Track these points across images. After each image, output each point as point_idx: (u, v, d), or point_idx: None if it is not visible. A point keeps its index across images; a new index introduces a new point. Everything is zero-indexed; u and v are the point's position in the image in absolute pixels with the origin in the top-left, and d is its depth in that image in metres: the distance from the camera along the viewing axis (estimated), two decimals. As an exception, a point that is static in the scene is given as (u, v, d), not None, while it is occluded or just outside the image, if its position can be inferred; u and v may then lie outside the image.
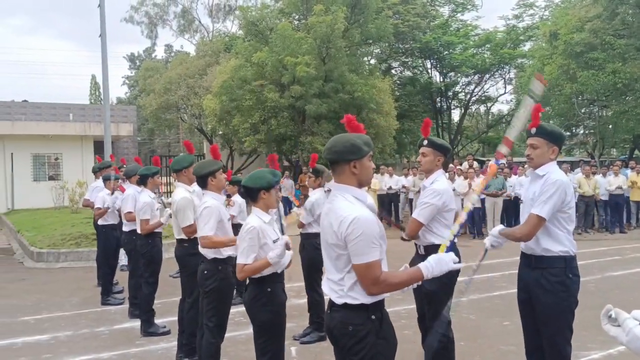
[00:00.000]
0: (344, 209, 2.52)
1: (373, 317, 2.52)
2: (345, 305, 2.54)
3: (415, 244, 4.28)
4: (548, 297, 3.43)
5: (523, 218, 3.63)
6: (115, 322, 6.66)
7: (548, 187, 3.44)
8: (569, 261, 3.46)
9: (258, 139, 19.87)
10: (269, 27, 21.11)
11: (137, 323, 6.30)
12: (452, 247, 4.16)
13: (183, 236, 5.01)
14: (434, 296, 4.02)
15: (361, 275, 2.48)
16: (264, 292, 3.54)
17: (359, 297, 2.52)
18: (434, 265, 2.57)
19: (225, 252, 4.40)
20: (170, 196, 7.90)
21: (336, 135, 2.70)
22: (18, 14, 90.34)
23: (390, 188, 15.76)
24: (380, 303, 2.57)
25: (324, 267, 2.73)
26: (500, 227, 3.74)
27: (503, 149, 3.57)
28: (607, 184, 14.34)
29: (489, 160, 18.43)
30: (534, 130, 3.58)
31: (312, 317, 5.80)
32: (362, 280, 2.49)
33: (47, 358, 5.42)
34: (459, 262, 2.65)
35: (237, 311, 6.04)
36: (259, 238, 3.55)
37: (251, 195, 3.65)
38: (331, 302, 2.64)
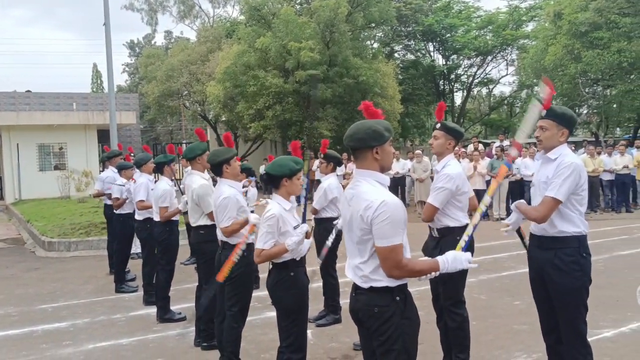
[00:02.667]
0: (370, 193, 2.58)
1: (397, 298, 2.59)
2: (371, 288, 2.61)
3: (430, 227, 4.32)
4: (563, 277, 3.44)
5: (535, 201, 3.62)
6: (130, 309, 6.76)
7: (563, 170, 3.41)
8: (582, 241, 3.47)
9: (263, 125, 19.89)
10: (271, 12, 21.02)
11: (152, 310, 6.39)
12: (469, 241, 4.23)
13: (199, 223, 5.08)
14: (450, 277, 4.06)
15: (384, 258, 2.54)
16: (287, 277, 3.62)
17: (384, 280, 2.59)
18: (450, 262, 2.65)
19: (249, 238, 4.46)
20: (182, 183, 7.96)
21: (356, 122, 2.74)
22: (18, 4, 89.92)
23: (397, 173, 15.70)
24: (404, 285, 2.64)
25: (347, 251, 2.78)
26: (520, 201, 3.72)
27: (513, 152, 3.67)
28: (613, 163, 14.35)
29: (493, 142, 18.44)
30: (544, 112, 3.54)
31: (327, 300, 5.88)
32: (384, 263, 2.55)
33: (68, 344, 5.53)
34: (472, 256, 2.77)
35: (252, 296, 6.12)
36: (279, 225, 3.63)
37: (273, 182, 3.71)
38: (355, 286, 2.71)
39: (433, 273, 2.65)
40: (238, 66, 20.07)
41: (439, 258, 2.66)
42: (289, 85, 18.99)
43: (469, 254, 2.74)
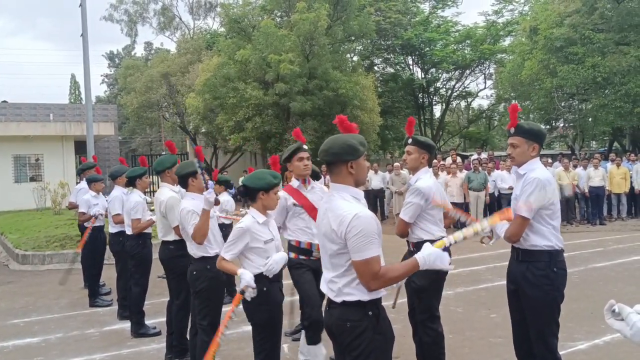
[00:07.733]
0: (343, 208, 2.57)
1: (370, 313, 2.58)
2: (344, 302, 2.59)
3: (407, 241, 4.34)
4: (533, 290, 3.48)
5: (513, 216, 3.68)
6: (104, 323, 6.64)
7: (527, 187, 3.46)
8: (554, 255, 3.49)
9: (243, 137, 19.84)
10: (251, 25, 21.08)
11: (127, 324, 6.29)
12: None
13: (168, 238, 5.01)
14: (424, 291, 4.10)
15: (361, 272, 2.52)
16: (260, 292, 3.58)
17: (356, 294, 2.57)
18: (432, 259, 2.55)
19: (212, 250, 4.40)
20: (153, 196, 7.88)
21: (331, 137, 2.74)
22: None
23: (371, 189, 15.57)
24: (378, 299, 2.63)
25: (322, 265, 2.76)
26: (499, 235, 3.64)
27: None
28: (587, 177, 14.55)
29: (471, 155, 18.63)
30: (512, 130, 3.59)
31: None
32: (361, 276, 2.53)
33: (39, 361, 5.42)
34: (450, 263, 2.65)
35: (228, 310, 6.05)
36: (245, 239, 3.63)
37: (250, 195, 3.70)
38: (329, 300, 2.69)
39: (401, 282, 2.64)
40: (218, 78, 20.04)
41: (417, 255, 2.57)
42: (269, 97, 19.01)
43: (447, 255, 2.61)
